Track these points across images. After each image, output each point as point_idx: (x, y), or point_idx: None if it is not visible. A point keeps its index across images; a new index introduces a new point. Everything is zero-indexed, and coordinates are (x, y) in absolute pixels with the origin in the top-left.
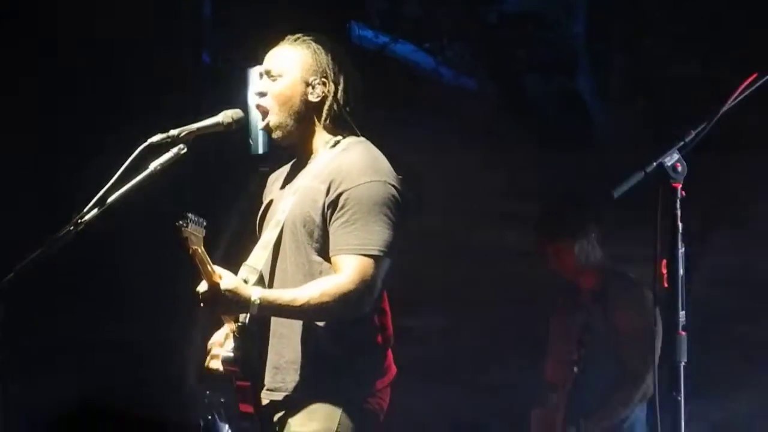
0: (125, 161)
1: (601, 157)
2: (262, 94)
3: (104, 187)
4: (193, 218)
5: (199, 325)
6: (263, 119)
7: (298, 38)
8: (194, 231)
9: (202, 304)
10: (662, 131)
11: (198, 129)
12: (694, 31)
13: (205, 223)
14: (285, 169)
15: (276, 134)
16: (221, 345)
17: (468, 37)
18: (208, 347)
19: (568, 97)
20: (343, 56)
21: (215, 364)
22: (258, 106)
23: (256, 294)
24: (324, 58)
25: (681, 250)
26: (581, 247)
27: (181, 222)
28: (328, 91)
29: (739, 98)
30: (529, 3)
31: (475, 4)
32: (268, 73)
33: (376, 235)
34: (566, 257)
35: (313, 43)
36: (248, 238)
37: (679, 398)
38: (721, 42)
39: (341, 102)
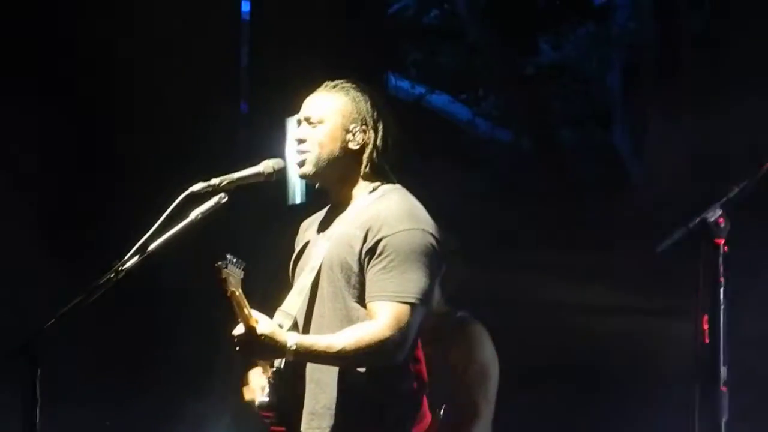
0: (165, 209)
1: (636, 211)
2: (301, 141)
3: (145, 235)
4: (232, 260)
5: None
6: (301, 166)
7: (337, 85)
8: (233, 273)
9: (237, 348)
10: (703, 187)
11: (239, 178)
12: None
13: (244, 266)
14: (319, 215)
15: (314, 181)
16: (257, 381)
17: (504, 89)
18: (244, 381)
19: (603, 150)
20: (381, 103)
21: (250, 396)
22: (297, 153)
23: (292, 340)
24: (363, 105)
25: (723, 306)
26: None
27: (220, 263)
28: (368, 138)
29: None
30: (565, 55)
31: (511, 56)
32: (307, 119)
33: (413, 283)
34: None
35: (352, 90)
36: (282, 285)
37: None
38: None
39: (380, 149)
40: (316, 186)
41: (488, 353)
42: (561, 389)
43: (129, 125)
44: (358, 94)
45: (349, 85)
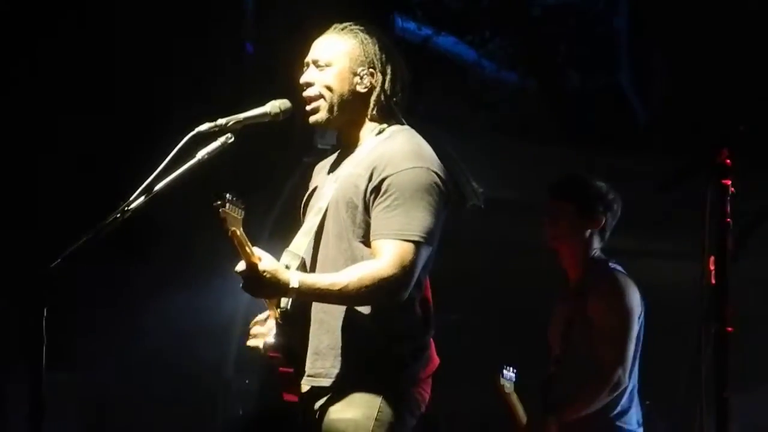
0: (171, 149)
1: (642, 153)
2: (309, 84)
3: (151, 174)
4: (231, 198)
5: (239, 316)
6: (313, 114)
7: (346, 27)
8: (232, 212)
9: (241, 285)
10: (710, 128)
11: (245, 119)
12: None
13: (244, 205)
14: (330, 159)
15: (321, 119)
16: (262, 326)
17: (510, 31)
18: (250, 326)
19: (609, 93)
20: (389, 45)
21: (255, 342)
22: (305, 96)
23: (295, 277)
24: (372, 48)
25: (730, 247)
26: (580, 222)
27: (218, 202)
28: (376, 81)
29: None
30: None
31: None
32: (315, 62)
33: (417, 221)
34: (562, 222)
35: (361, 33)
36: (291, 227)
37: (726, 395)
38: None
39: (388, 92)
40: (321, 126)
41: (627, 305)
42: None
43: (134, 68)
44: (367, 36)
45: (357, 27)
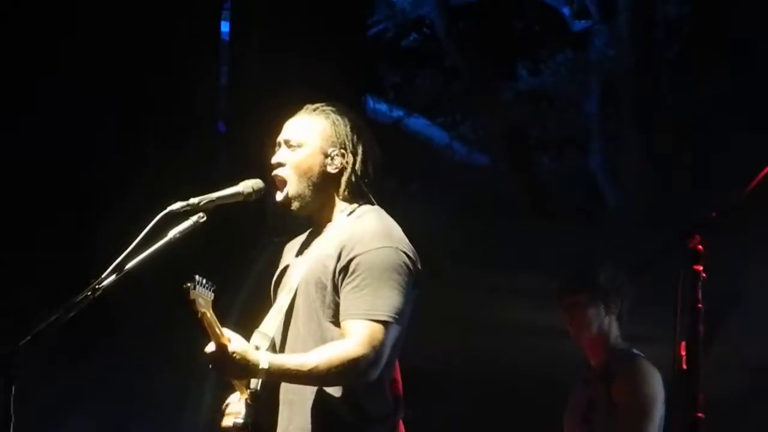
0: (142, 228)
1: (613, 234)
2: (279, 164)
3: (122, 253)
4: (201, 281)
5: (209, 388)
6: (281, 190)
7: (317, 108)
8: (202, 294)
9: (210, 366)
10: (680, 212)
11: (218, 198)
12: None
13: (214, 287)
14: (301, 238)
15: (294, 205)
16: (236, 406)
17: (482, 114)
18: (223, 407)
19: (580, 174)
20: (361, 126)
21: (228, 422)
22: (275, 176)
23: (264, 358)
24: (343, 129)
25: (701, 332)
26: (596, 311)
27: (189, 284)
28: (347, 162)
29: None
30: (543, 81)
31: (489, 81)
32: (287, 142)
33: (386, 300)
34: (578, 315)
35: (333, 114)
36: (260, 307)
37: None
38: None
39: (359, 173)
40: (293, 210)
41: (651, 391)
42: (541, 409)
43: (109, 143)
44: (339, 117)
45: (329, 108)
